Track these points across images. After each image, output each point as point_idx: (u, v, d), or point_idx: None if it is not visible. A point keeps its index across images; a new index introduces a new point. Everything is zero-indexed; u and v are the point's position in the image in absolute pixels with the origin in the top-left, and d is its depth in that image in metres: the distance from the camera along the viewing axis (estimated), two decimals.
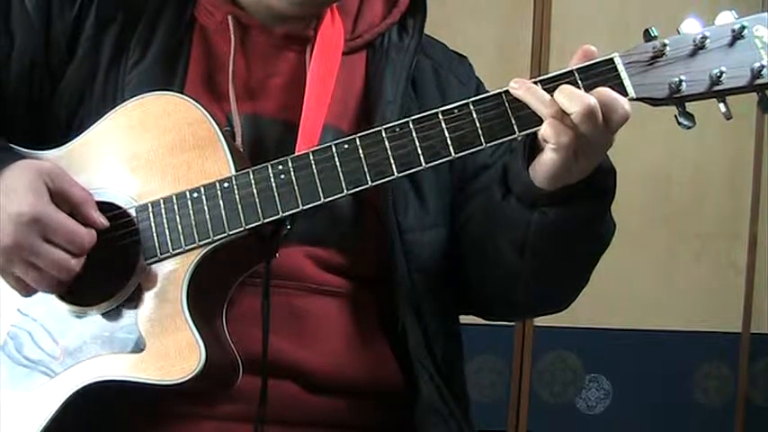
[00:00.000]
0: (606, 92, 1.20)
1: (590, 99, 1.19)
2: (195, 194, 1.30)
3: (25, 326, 1.35)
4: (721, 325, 3.43)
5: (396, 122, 1.28)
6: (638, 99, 1.23)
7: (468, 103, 1.25)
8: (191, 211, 1.29)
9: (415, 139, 1.26)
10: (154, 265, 1.30)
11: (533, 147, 1.27)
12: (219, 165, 1.30)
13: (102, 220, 1.31)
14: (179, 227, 1.29)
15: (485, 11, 3.31)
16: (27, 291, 1.31)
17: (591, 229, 1.33)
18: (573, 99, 1.19)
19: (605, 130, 1.21)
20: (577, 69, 1.23)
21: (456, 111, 1.25)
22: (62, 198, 1.30)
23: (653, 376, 3.38)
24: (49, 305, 1.33)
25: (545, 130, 1.21)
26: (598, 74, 1.23)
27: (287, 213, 1.28)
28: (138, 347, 1.28)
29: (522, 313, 1.58)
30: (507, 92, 1.24)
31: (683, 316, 3.40)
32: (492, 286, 1.43)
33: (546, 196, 1.28)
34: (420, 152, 1.25)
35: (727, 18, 1.22)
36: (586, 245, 1.36)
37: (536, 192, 1.27)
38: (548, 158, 1.23)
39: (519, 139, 1.25)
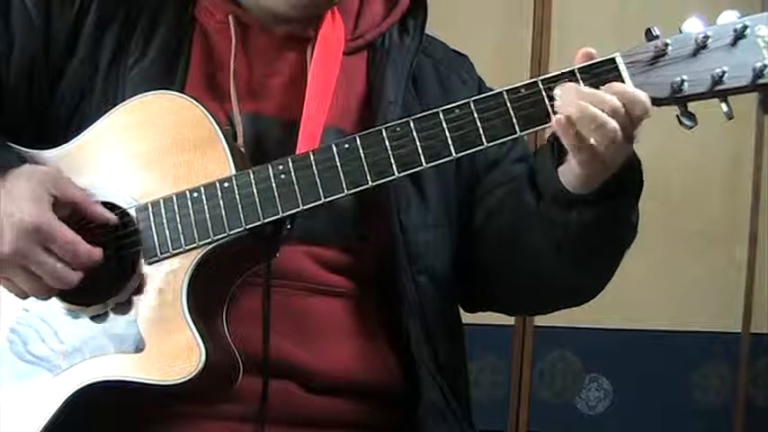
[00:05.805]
0: (621, 87, 1.20)
1: (613, 100, 1.19)
2: (195, 194, 1.29)
3: (29, 323, 1.35)
4: (721, 325, 3.42)
5: (396, 122, 1.27)
6: None
7: (468, 103, 1.25)
8: (191, 211, 1.29)
9: (416, 138, 1.25)
10: (154, 266, 1.30)
11: (561, 147, 1.26)
12: (220, 164, 1.30)
13: (108, 215, 1.31)
14: (179, 227, 1.29)
15: (485, 11, 3.31)
16: (23, 295, 1.31)
17: (626, 221, 1.34)
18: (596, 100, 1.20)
19: (629, 124, 1.20)
20: (579, 69, 1.23)
21: (457, 110, 1.25)
22: (65, 201, 1.30)
23: (653, 376, 3.38)
24: (51, 304, 1.33)
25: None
26: (600, 73, 1.22)
27: (287, 213, 1.28)
28: (139, 347, 1.28)
29: (548, 307, 1.57)
30: (508, 91, 1.24)
31: (683, 316, 3.39)
32: (526, 281, 1.42)
33: (580, 196, 1.28)
34: (421, 152, 1.25)
35: (729, 17, 1.21)
36: (622, 235, 1.36)
37: (570, 196, 1.28)
38: (574, 163, 1.24)
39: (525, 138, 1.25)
